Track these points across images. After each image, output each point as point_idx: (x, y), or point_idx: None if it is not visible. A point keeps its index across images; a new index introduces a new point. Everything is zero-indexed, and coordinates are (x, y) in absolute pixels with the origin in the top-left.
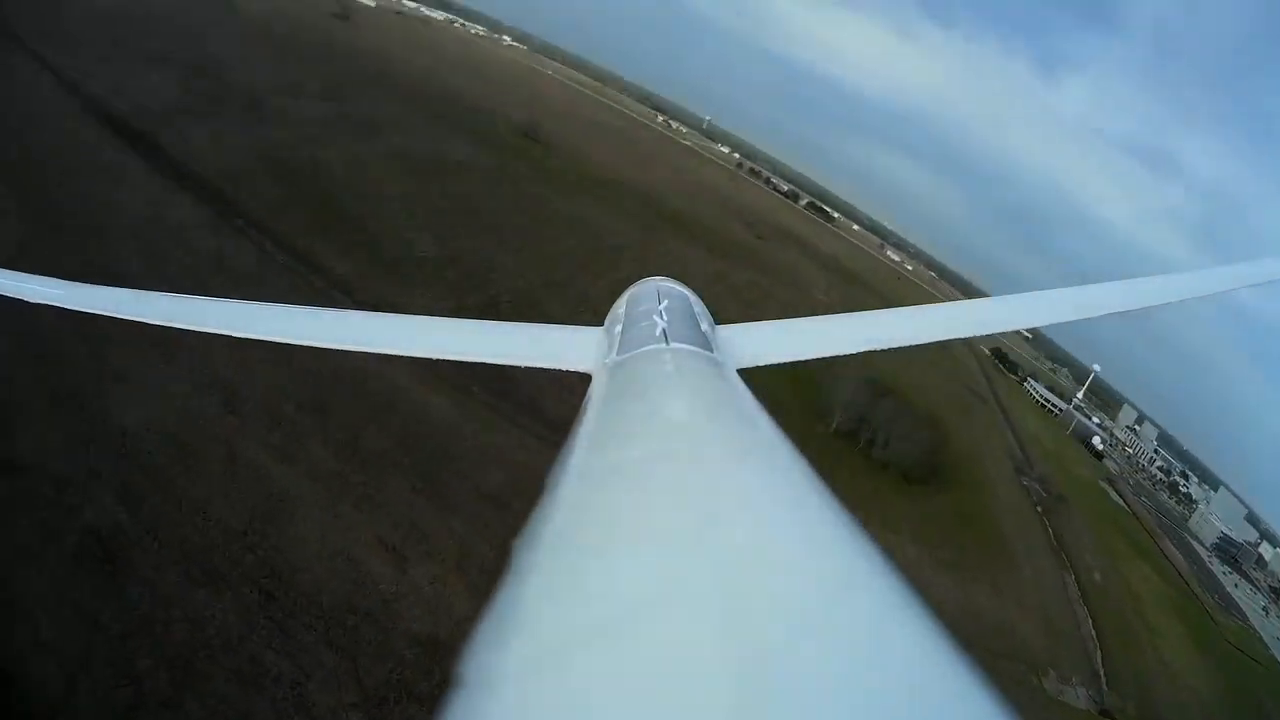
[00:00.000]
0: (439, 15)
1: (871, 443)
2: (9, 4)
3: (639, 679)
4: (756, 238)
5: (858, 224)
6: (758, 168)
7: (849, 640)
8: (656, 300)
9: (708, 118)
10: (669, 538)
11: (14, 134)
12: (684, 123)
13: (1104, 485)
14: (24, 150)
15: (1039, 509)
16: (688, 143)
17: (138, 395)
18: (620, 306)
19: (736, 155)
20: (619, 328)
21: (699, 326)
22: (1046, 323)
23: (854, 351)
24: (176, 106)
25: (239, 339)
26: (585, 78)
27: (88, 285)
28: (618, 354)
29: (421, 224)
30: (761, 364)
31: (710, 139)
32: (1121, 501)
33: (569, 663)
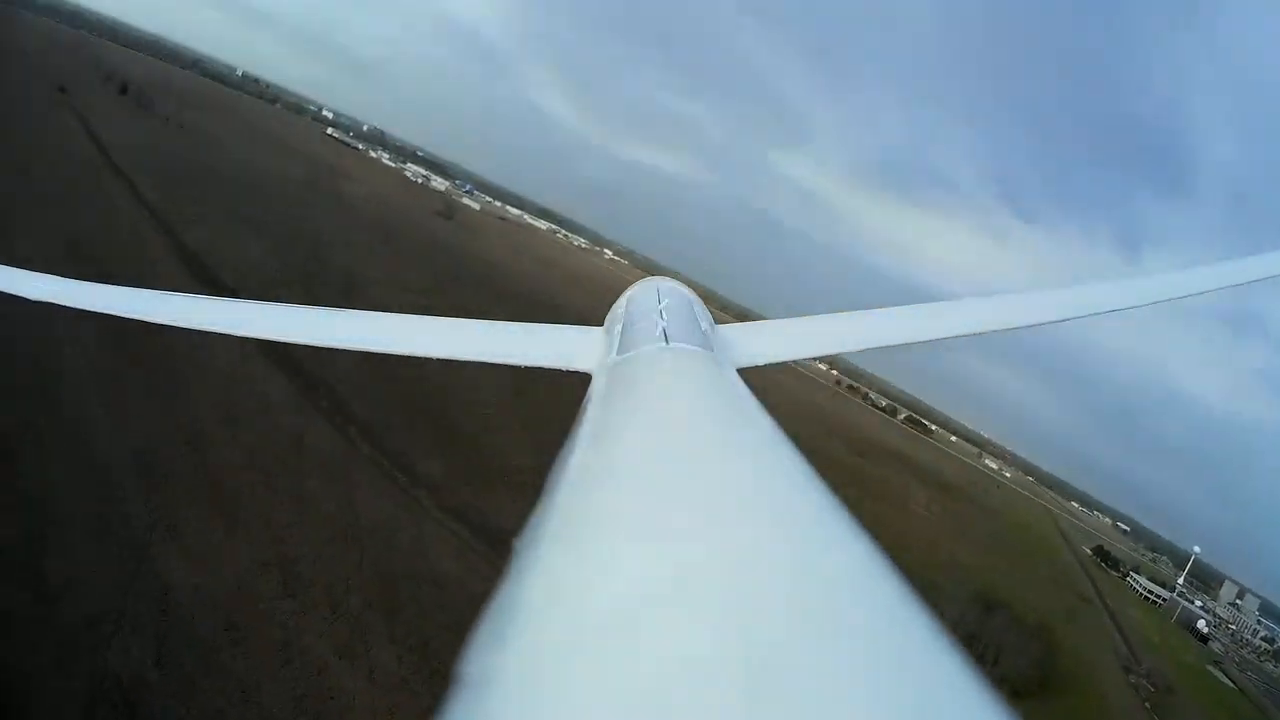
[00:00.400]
0: (542, 224)
1: (982, 659)
2: (122, 147)
3: (640, 679)
4: (857, 455)
5: (954, 434)
6: (856, 384)
7: (850, 640)
8: (656, 300)
9: None
10: (669, 537)
11: (101, 266)
12: None
13: (1211, 669)
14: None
15: (1148, 705)
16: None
17: (191, 556)
18: (620, 306)
19: (834, 372)
20: (619, 327)
21: (699, 326)
22: (1048, 321)
23: (854, 350)
24: (272, 276)
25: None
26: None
27: (85, 283)
28: (618, 353)
29: (517, 433)
30: (761, 363)
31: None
32: (1230, 682)
33: (570, 662)
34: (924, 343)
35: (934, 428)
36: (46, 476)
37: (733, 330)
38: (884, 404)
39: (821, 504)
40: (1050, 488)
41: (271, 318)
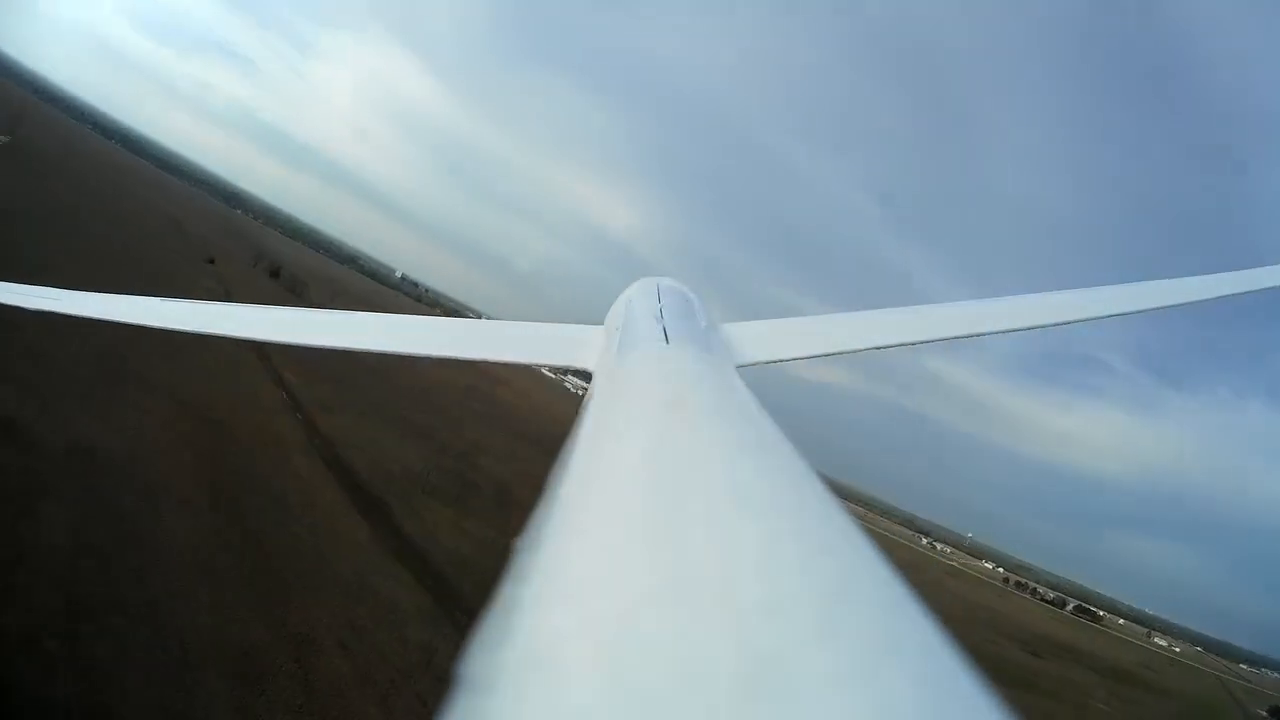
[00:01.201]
0: None
1: None
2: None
3: (640, 679)
4: (1031, 655)
5: (1122, 617)
6: (1023, 579)
7: (850, 639)
8: (656, 299)
9: (970, 534)
10: (670, 537)
11: (245, 461)
12: (947, 542)
13: None
14: (239, 469)
15: None
16: (954, 563)
17: None
18: (620, 306)
19: (1000, 569)
20: (619, 326)
21: (699, 325)
22: (1052, 322)
23: (856, 350)
24: (409, 470)
25: None
26: (856, 506)
27: (82, 293)
28: (618, 353)
29: None
30: (761, 362)
31: (974, 556)
32: None
33: (570, 662)
34: (925, 343)
35: (1102, 614)
36: (120, 668)
37: (733, 329)
38: (1051, 596)
39: (822, 504)
40: (1218, 654)
41: (273, 321)
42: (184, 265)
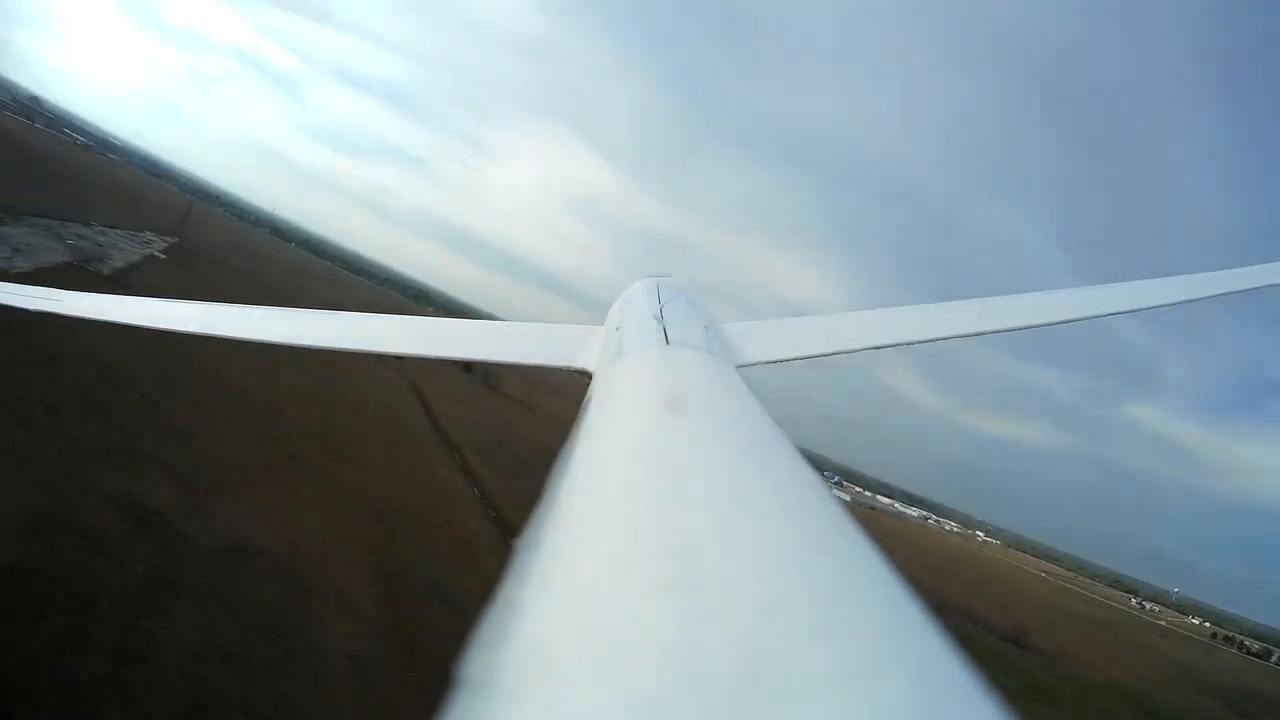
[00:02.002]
0: (912, 511)
1: None
2: (455, 420)
3: (640, 679)
4: (1239, 715)
5: None
6: (1230, 633)
7: (850, 640)
8: (657, 299)
9: (1175, 590)
10: (670, 537)
11: (425, 561)
12: (1156, 600)
13: None
14: (416, 570)
15: None
16: (1163, 623)
17: None
18: (620, 305)
19: (1208, 625)
20: (619, 327)
21: (699, 325)
22: (1052, 321)
23: (858, 350)
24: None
25: None
26: (1059, 568)
27: (81, 294)
28: (618, 353)
29: None
30: (762, 362)
31: (1181, 612)
32: None
33: (570, 663)
34: (926, 342)
35: None
36: None
37: (733, 329)
38: (1256, 648)
39: (822, 504)
40: None
41: (273, 320)
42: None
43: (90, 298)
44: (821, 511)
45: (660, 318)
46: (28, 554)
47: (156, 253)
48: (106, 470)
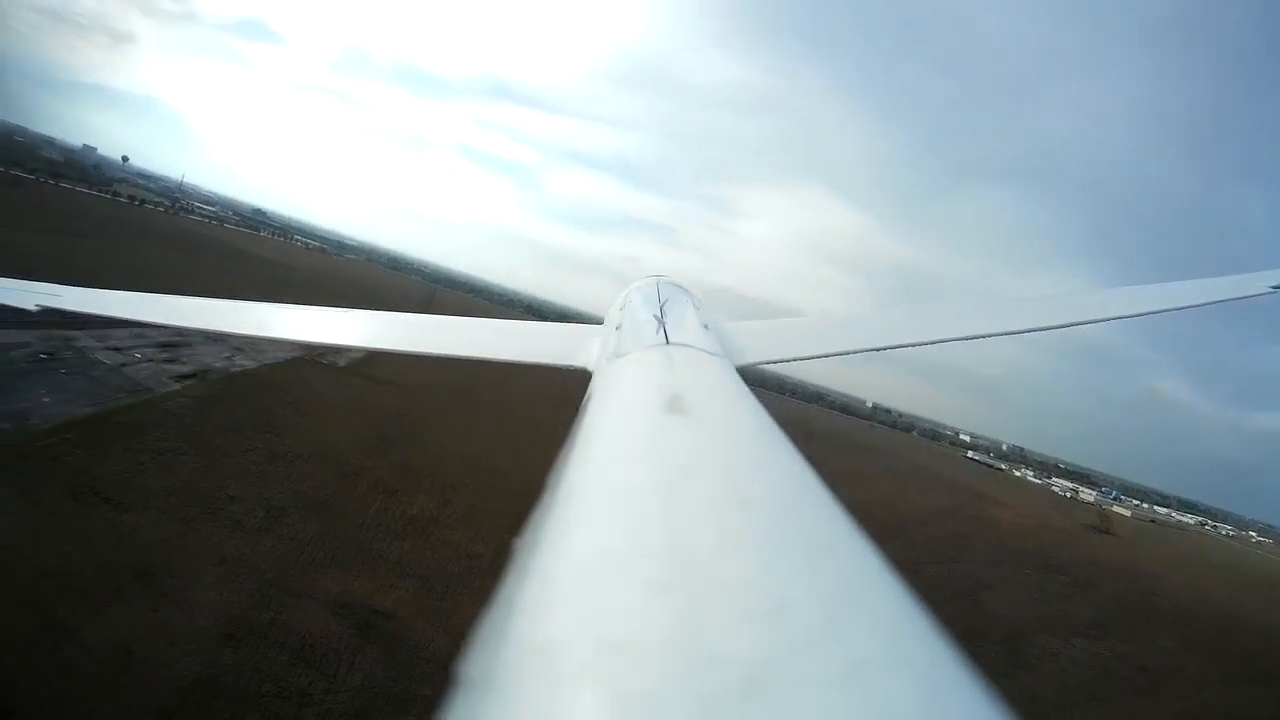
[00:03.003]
0: (1189, 519)
1: None
2: None
3: (640, 679)
4: None
5: None
6: None
7: (849, 640)
8: (657, 298)
9: None
10: (670, 537)
11: None
12: None
13: None
14: None
15: None
16: None
17: None
18: (620, 305)
19: None
20: (619, 326)
21: (699, 325)
22: (1053, 325)
23: (855, 351)
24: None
25: None
26: None
27: (82, 289)
28: (617, 352)
29: None
30: (762, 362)
31: None
32: None
33: (570, 663)
34: (925, 344)
35: None
36: None
37: (733, 329)
38: None
39: (821, 504)
40: None
41: (278, 318)
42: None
43: (91, 293)
44: (821, 511)
45: (660, 317)
46: (220, 667)
47: None
48: (327, 569)
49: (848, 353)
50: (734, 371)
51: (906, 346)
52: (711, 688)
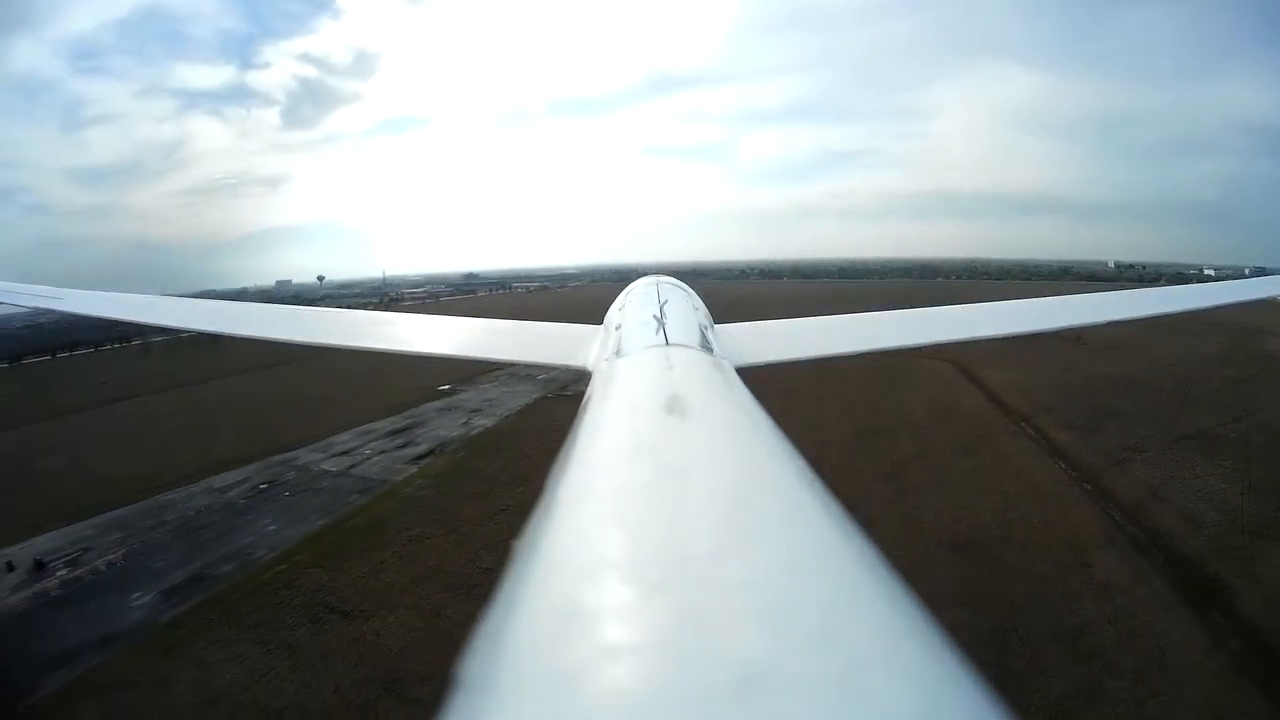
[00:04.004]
0: None
1: None
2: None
3: (639, 678)
4: None
5: None
6: None
7: (848, 639)
8: (657, 299)
9: None
10: (669, 537)
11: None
12: None
13: None
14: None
15: None
16: None
17: None
18: (620, 305)
19: None
20: (619, 326)
21: (699, 326)
22: (1051, 327)
23: (853, 351)
24: (1236, 520)
25: None
26: None
27: (82, 291)
28: (617, 353)
29: None
30: (761, 363)
31: None
32: None
33: (569, 663)
34: (925, 345)
35: None
36: None
37: (733, 330)
38: None
39: (820, 504)
40: None
41: (281, 320)
42: None
43: (91, 295)
44: (820, 512)
45: (660, 317)
46: None
47: None
48: None
49: (847, 353)
50: (734, 371)
51: (905, 348)
52: (710, 687)
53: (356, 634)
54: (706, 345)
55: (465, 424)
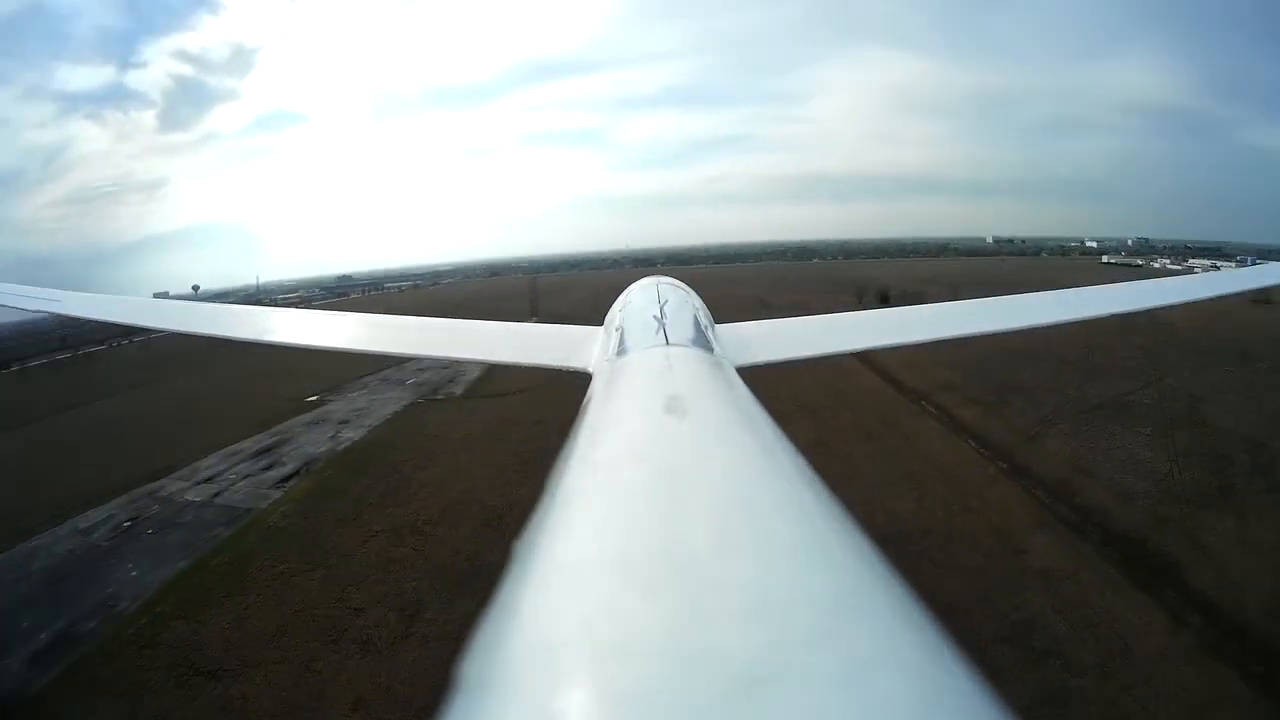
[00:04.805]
0: None
1: None
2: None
3: (640, 678)
4: None
5: None
6: None
7: (848, 639)
8: (657, 299)
9: None
10: (669, 538)
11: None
12: None
13: None
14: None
15: None
16: None
17: None
18: (621, 305)
19: None
20: (619, 326)
21: (699, 326)
22: (1048, 321)
23: (852, 351)
24: (1168, 489)
25: None
26: None
27: (82, 293)
28: (617, 353)
29: None
30: (761, 363)
31: None
32: None
33: (569, 663)
34: (925, 343)
35: None
36: None
37: (733, 329)
38: None
39: (820, 504)
40: None
41: (271, 322)
42: None
43: (90, 297)
44: (820, 512)
45: (660, 317)
46: None
47: None
48: None
49: (846, 352)
50: (734, 371)
51: (904, 346)
52: (710, 687)
53: (224, 698)
54: (707, 345)
55: (333, 437)
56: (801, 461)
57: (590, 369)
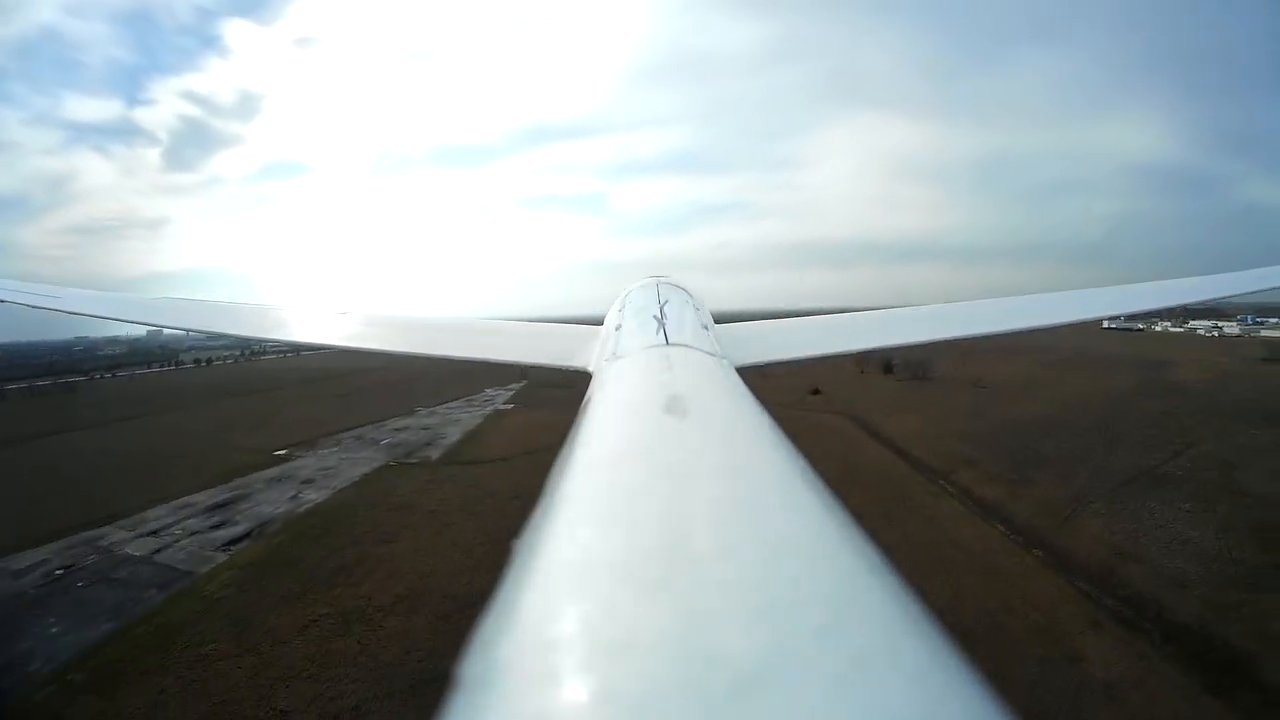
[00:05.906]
0: None
1: None
2: None
3: (640, 678)
4: None
5: None
6: None
7: (848, 639)
8: (657, 299)
9: None
10: (669, 537)
11: None
12: None
13: None
14: None
15: None
16: None
17: None
18: (621, 305)
19: None
20: (619, 327)
21: (699, 326)
22: (1049, 324)
23: (852, 351)
24: (1222, 572)
25: None
26: None
27: (81, 290)
28: (618, 354)
29: None
30: (762, 363)
31: None
32: None
33: (569, 663)
34: (924, 343)
35: None
36: None
37: (733, 330)
38: None
39: (821, 504)
40: None
41: (270, 319)
42: None
43: (89, 294)
44: (820, 512)
45: (660, 317)
46: None
47: (502, 405)
48: None
49: (846, 352)
50: (733, 371)
51: (904, 346)
52: (710, 687)
53: None
54: (707, 345)
55: (293, 498)
56: (802, 461)
57: (590, 368)
